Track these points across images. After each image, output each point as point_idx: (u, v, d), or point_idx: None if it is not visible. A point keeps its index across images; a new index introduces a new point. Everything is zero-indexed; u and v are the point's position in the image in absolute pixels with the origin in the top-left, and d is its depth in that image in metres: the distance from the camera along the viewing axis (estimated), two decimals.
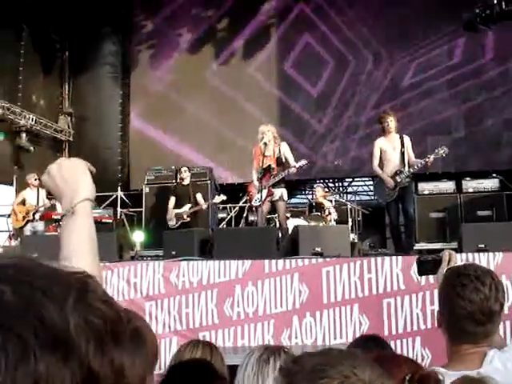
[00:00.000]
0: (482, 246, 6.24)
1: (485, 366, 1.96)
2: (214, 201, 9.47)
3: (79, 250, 1.23)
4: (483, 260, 5.74)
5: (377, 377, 0.97)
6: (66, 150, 14.18)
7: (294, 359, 1.05)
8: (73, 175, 1.32)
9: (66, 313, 0.64)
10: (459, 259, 5.64)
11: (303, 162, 7.82)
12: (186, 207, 9.34)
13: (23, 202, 10.28)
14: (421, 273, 2.66)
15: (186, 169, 9.71)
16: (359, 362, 1.00)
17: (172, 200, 9.52)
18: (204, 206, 9.38)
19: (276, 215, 8.75)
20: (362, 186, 15.30)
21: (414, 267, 3.53)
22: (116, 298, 6.21)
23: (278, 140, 7.94)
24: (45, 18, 13.25)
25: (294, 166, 7.68)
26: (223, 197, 9.33)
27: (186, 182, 9.62)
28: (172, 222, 9.36)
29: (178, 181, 9.87)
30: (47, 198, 10.01)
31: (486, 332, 2.05)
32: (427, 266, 2.58)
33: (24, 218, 10.11)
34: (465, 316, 2.03)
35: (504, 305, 2.08)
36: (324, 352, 1.05)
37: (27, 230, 9.96)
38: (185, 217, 9.27)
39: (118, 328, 0.70)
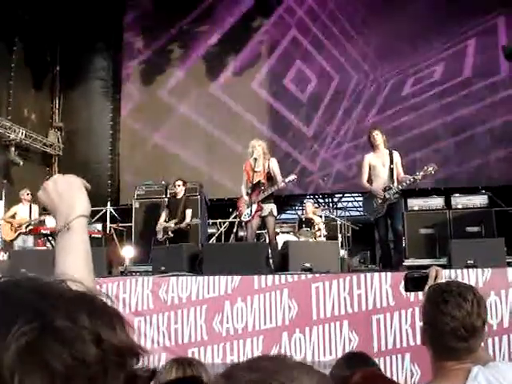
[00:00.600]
0: (471, 262, 6.26)
1: (469, 382, 1.96)
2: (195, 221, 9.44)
3: (75, 266, 1.24)
4: (472, 276, 5.76)
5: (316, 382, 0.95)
6: (56, 165, 14.14)
7: (224, 374, 0.99)
8: (68, 191, 1.33)
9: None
10: (448, 275, 5.69)
11: (292, 177, 7.82)
12: (172, 222, 9.28)
13: (13, 217, 10.24)
14: (408, 289, 2.67)
15: (179, 182, 9.60)
16: (296, 371, 0.95)
17: (164, 213, 9.49)
18: (185, 223, 9.22)
19: (266, 231, 8.74)
20: (352, 201, 15.33)
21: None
22: None
23: (268, 155, 7.95)
24: (37, 32, 13.28)
25: (283, 181, 7.68)
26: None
27: (180, 195, 9.54)
28: (159, 235, 9.32)
29: (171, 194, 9.83)
30: (41, 214, 9.98)
31: (469, 348, 2.06)
32: (414, 282, 2.59)
33: (16, 230, 10.05)
34: (448, 332, 2.04)
35: (486, 321, 2.10)
36: (255, 367, 0.98)
37: (17, 244, 9.91)
38: (169, 233, 9.22)
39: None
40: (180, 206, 9.37)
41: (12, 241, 10.08)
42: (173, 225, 9.24)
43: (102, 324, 0.73)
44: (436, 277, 2.49)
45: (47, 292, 0.74)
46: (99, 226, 11.35)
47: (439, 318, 2.06)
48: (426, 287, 2.46)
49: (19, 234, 10.06)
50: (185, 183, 9.67)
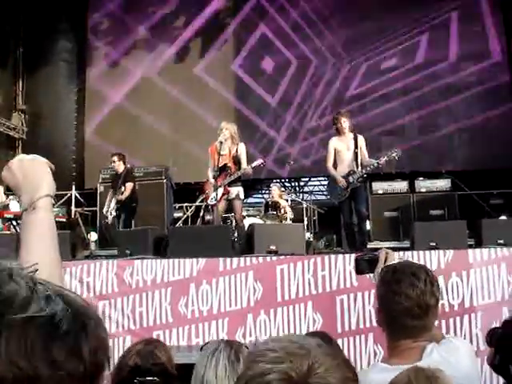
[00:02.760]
0: (434, 244, 6.37)
1: (424, 358, 2.01)
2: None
3: (41, 245, 1.24)
4: (434, 258, 5.86)
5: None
6: (19, 148, 13.91)
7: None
8: (34, 171, 1.34)
9: None
10: (411, 257, 5.77)
11: (259, 162, 7.84)
12: (113, 202, 9.11)
13: None
14: (358, 272, 2.71)
15: (114, 158, 9.39)
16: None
17: (109, 194, 9.35)
18: (124, 196, 9.06)
19: (232, 214, 8.74)
20: (318, 185, 15.40)
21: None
22: None
23: (237, 140, 7.89)
24: None
25: (250, 166, 7.68)
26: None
27: (120, 170, 9.33)
28: (109, 219, 9.18)
29: (112, 172, 9.67)
30: (5, 193, 9.74)
31: (424, 326, 2.11)
32: (365, 264, 2.63)
33: None
34: (402, 311, 2.08)
35: (439, 299, 2.15)
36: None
37: None
38: (112, 212, 9.10)
39: None
40: (119, 182, 9.19)
41: None
42: (113, 204, 9.11)
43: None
44: (386, 259, 2.53)
45: None
46: (64, 210, 11.24)
47: (393, 298, 2.10)
48: (376, 270, 2.51)
49: None
50: (121, 157, 9.45)
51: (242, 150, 7.88)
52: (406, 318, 2.08)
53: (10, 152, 13.50)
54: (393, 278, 2.15)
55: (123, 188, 9.12)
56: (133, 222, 9.23)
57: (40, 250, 1.20)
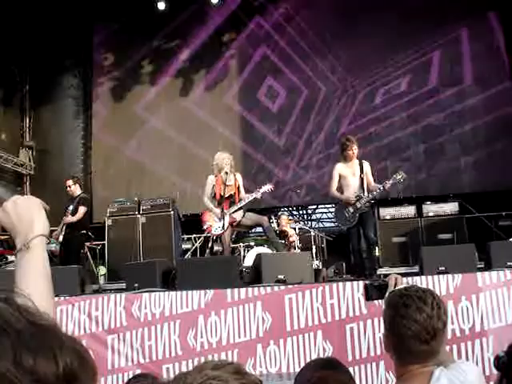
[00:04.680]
0: (443, 268, 6.32)
1: (432, 383, 1.99)
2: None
3: (34, 285, 1.26)
4: (443, 282, 5.82)
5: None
6: (28, 184, 14.01)
7: None
8: (27, 212, 1.37)
9: None
10: (419, 282, 5.73)
11: (268, 187, 7.87)
12: (60, 227, 8.95)
13: None
14: (368, 298, 2.69)
15: (69, 182, 9.40)
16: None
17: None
18: (69, 219, 8.96)
19: (240, 244, 8.76)
20: (326, 213, 15.39)
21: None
22: (77, 332, 6.12)
23: (233, 168, 8.00)
24: (5, 50, 13.17)
25: (259, 191, 7.73)
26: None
27: (76, 194, 9.33)
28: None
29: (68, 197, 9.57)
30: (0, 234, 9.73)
31: (432, 350, 2.09)
32: (374, 291, 2.61)
33: None
34: (409, 336, 2.06)
35: (447, 323, 2.13)
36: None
37: None
38: (60, 237, 8.96)
39: None
40: (73, 205, 9.13)
41: None
42: (59, 229, 8.94)
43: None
44: (395, 285, 2.52)
45: None
46: None
47: (400, 323, 2.09)
48: (386, 295, 2.49)
49: None
50: (76, 180, 9.52)
51: (239, 179, 8.02)
52: (413, 343, 2.07)
53: (18, 188, 13.58)
54: (400, 302, 2.14)
55: (76, 211, 9.07)
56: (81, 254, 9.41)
57: (33, 290, 1.22)
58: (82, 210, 9.15)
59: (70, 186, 9.40)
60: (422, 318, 2.06)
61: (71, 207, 9.13)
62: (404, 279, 2.59)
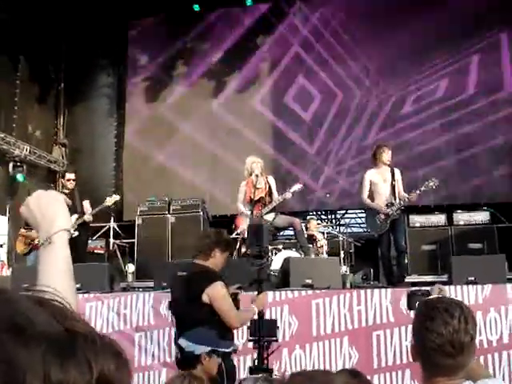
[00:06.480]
0: (472, 278, 6.27)
1: None
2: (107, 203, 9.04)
3: (56, 279, 1.27)
4: (472, 293, 5.77)
5: None
6: (60, 181, 14.19)
7: None
8: (50, 207, 1.38)
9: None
10: (449, 292, 5.67)
11: (298, 186, 7.90)
12: (74, 217, 8.60)
13: (31, 230, 9.70)
14: (411, 306, 2.68)
15: (68, 176, 9.31)
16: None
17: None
18: (87, 217, 8.89)
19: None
20: (354, 218, 15.29)
21: (404, 300, 3.56)
22: (105, 329, 6.20)
23: (264, 172, 8.04)
24: (41, 48, 13.38)
25: (289, 191, 7.77)
26: (116, 197, 9.24)
27: (71, 187, 9.16)
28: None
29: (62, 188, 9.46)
30: (24, 228, 9.54)
31: (458, 364, 2.06)
32: (417, 299, 2.61)
33: (30, 244, 9.53)
34: (434, 349, 2.04)
35: (475, 336, 2.10)
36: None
37: (29, 259, 9.31)
38: (72, 231, 8.83)
39: None
40: (76, 199, 8.95)
41: (25, 255, 9.59)
42: (74, 220, 8.74)
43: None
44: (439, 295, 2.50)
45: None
46: (102, 242, 11.38)
47: (425, 335, 2.07)
48: None
49: (31, 249, 9.55)
50: (73, 174, 9.36)
51: (272, 181, 8.08)
52: (438, 356, 2.04)
53: (51, 185, 13.77)
54: (426, 314, 2.12)
55: (83, 207, 9.02)
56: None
57: (55, 285, 1.23)
58: (85, 203, 9.11)
59: (68, 180, 9.26)
60: (448, 332, 2.02)
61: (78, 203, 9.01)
62: (447, 289, 2.56)
